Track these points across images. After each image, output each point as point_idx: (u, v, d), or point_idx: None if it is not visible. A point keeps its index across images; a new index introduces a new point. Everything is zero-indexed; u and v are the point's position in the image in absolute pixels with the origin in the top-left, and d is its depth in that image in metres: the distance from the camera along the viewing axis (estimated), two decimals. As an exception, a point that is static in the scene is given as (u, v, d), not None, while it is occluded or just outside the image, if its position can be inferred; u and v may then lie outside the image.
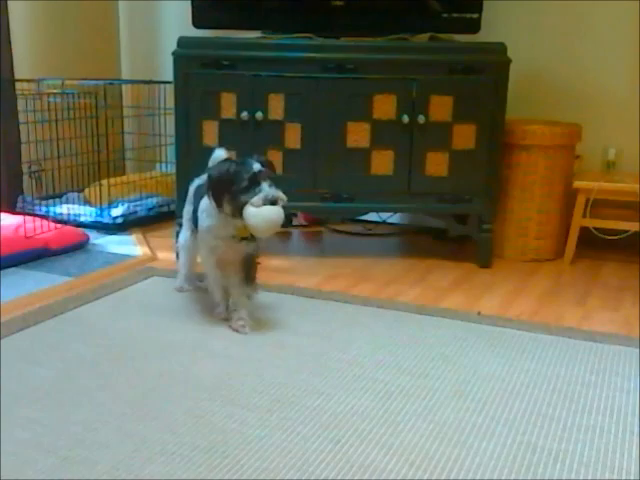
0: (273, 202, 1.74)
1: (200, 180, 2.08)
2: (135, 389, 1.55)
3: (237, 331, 1.88)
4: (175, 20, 3.38)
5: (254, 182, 1.75)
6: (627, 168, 2.81)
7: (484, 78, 2.43)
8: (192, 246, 2.13)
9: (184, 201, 2.18)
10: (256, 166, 1.77)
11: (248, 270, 1.93)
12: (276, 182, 1.79)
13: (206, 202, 1.89)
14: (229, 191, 1.78)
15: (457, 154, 2.48)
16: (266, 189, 1.75)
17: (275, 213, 1.76)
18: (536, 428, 1.42)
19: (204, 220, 1.89)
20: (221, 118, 2.48)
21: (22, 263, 2.42)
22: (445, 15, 2.60)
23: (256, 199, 1.73)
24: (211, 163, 2.12)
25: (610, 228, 2.62)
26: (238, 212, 1.77)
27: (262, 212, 1.75)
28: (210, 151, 2.09)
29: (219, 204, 1.81)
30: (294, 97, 2.46)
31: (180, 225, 2.27)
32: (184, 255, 2.17)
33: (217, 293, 1.96)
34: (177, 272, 2.23)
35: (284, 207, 1.78)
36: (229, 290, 1.95)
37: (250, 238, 1.88)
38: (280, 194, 1.76)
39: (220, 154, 2.08)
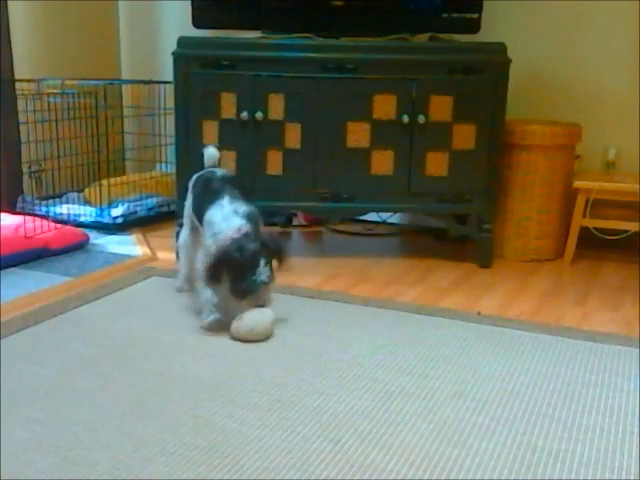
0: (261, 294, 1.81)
1: (198, 174, 2.13)
2: (135, 389, 1.55)
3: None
4: (175, 20, 3.38)
5: (252, 266, 1.79)
6: (627, 168, 2.81)
7: (484, 78, 2.43)
8: (191, 245, 2.13)
9: (184, 201, 2.18)
10: (252, 247, 1.80)
11: None
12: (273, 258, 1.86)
13: (217, 212, 1.90)
14: (228, 273, 1.81)
15: (457, 154, 2.48)
16: (262, 271, 1.79)
17: (261, 325, 1.83)
18: (536, 428, 1.42)
19: (213, 233, 1.88)
20: (221, 118, 2.48)
21: (22, 263, 2.42)
22: (445, 15, 2.60)
23: (254, 287, 1.79)
24: (206, 162, 2.16)
25: (610, 228, 2.62)
26: (239, 297, 1.83)
27: (247, 325, 1.82)
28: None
29: (217, 282, 1.84)
30: (294, 97, 2.46)
31: (180, 225, 2.27)
32: (184, 255, 2.17)
33: (206, 294, 1.91)
34: (177, 272, 2.23)
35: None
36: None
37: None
38: (272, 275, 1.83)
39: (212, 152, 2.13)
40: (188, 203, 2.15)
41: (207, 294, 1.91)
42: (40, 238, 2.53)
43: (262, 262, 1.80)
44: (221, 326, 1.90)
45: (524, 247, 2.69)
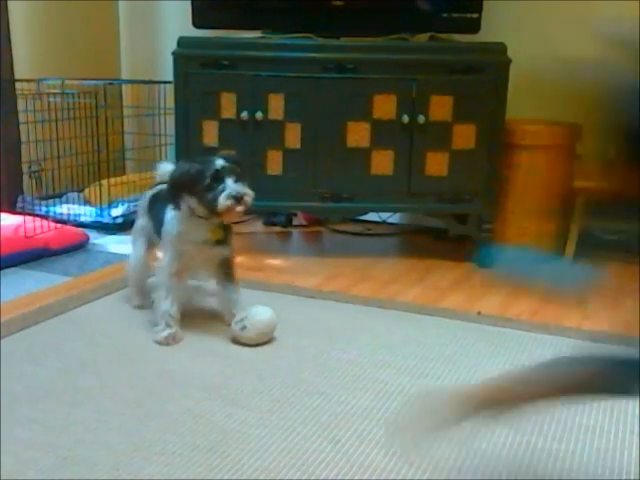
0: (239, 199, 1.69)
1: (153, 191, 2.00)
2: (135, 389, 1.55)
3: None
4: (175, 20, 3.37)
5: (217, 179, 1.69)
6: (627, 168, 2.80)
7: (484, 78, 2.43)
8: (143, 264, 2.04)
9: None
10: (219, 163, 1.71)
11: (227, 272, 1.89)
12: (243, 178, 1.74)
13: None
14: (191, 191, 1.73)
15: (457, 154, 2.48)
16: (231, 186, 1.69)
17: (266, 326, 1.81)
18: (536, 428, 1.42)
19: (173, 226, 1.81)
20: (221, 118, 2.48)
21: (22, 263, 2.42)
22: (445, 15, 2.60)
23: (221, 198, 1.68)
24: (159, 178, 2.01)
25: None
26: (212, 212, 1.73)
27: (254, 328, 1.78)
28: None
29: (177, 206, 1.76)
30: (294, 97, 2.46)
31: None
32: (133, 275, 2.06)
33: (164, 305, 1.82)
34: (129, 292, 2.10)
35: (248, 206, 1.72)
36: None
37: (224, 241, 1.84)
38: (246, 190, 1.71)
39: (167, 168, 1.95)
40: (139, 224, 2.05)
41: (166, 305, 1.82)
42: (40, 238, 2.53)
43: (230, 179, 1.70)
44: (177, 341, 1.81)
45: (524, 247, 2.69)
